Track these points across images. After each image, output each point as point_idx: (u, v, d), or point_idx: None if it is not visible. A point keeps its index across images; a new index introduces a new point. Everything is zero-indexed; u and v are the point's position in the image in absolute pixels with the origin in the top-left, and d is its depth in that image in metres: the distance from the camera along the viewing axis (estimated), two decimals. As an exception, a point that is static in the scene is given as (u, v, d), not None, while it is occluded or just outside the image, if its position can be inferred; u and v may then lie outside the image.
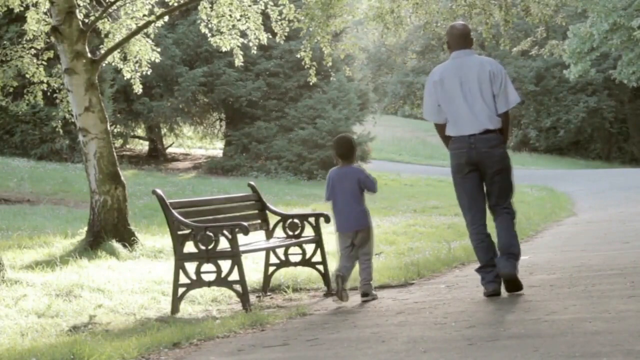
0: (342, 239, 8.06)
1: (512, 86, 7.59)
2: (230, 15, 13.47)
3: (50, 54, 14.00)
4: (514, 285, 7.57)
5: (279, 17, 13.71)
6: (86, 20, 12.98)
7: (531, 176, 31.88)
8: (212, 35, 13.74)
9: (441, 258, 10.66)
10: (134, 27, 13.34)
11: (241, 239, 8.21)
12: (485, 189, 7.65)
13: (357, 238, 8.04)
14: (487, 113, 7.46)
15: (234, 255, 7.99)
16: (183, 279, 8.10)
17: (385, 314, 7.43)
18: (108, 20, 13.58)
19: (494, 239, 7.69)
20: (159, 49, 14.32)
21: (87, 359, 5.97)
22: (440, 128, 7.72)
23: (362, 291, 8.10)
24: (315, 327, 7.03)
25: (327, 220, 9.13)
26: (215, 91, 29.80)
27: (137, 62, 13.98)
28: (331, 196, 8.12)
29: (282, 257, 9.23)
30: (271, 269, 9.22)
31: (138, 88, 14.18)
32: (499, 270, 7.47)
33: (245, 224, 8.20)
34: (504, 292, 7.64)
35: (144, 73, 14.09)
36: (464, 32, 7.65)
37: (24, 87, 15.01)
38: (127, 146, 33.29)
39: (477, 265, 7.79)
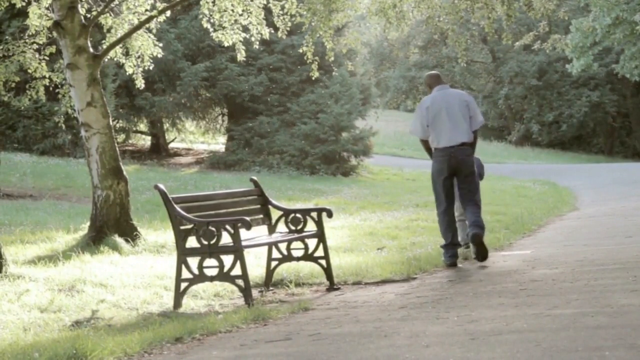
0: (460, 210, 10.30)
1: (479, 111, 10.09)
2: (233, 10, 13.47)
3: (52, 49, 14.02)
4: (481, 247, 9.80)
5: (281, 12, 13.71)
6: (88, 15, 12.98)
7: (533, 171, 31.90)
8: (215, 30, 13.74)
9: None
10: (136, 22, 13.33)
11: (243, 233, 8.20)
12: (457, 187, 9.89)
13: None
14: (465, 130, 9.81)
15: (236, 250, 7.99)
16: (185, 274, 8.10)
17: (387, 308, 7.43)
18: (110, 15, 13.58)
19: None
20: (161, 44, 14.32)
21: (90, 354, 5.96)
22: (425, 143, 10.05)
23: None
24: (317, 322, 7.03)
25: (330, 214, 9.25)
26: (217, 86, 29.79)
27: (139, 57, 13.98)
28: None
29: (285, 252, 9.23)
30: (273, 263, 9.23)
31: (140, 83, 14.17)
32: (470, 232, 9.69)
33: (248, 218, 8.20)
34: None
35: (146, 68, 14.09)
36: (439, 75, 10.25)
37: (26, 82, 15.02)
38: (130, 141, 33.31)
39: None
